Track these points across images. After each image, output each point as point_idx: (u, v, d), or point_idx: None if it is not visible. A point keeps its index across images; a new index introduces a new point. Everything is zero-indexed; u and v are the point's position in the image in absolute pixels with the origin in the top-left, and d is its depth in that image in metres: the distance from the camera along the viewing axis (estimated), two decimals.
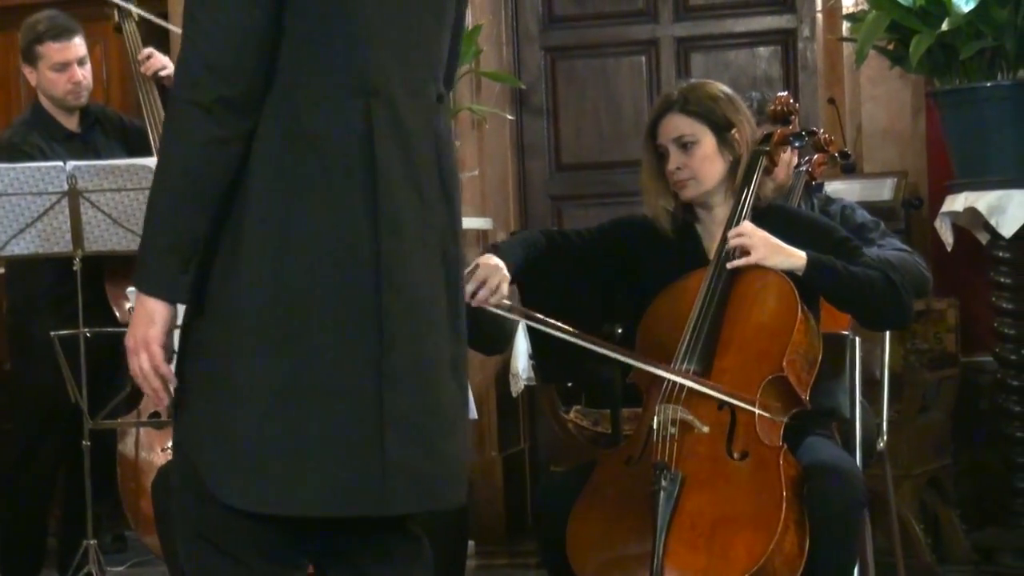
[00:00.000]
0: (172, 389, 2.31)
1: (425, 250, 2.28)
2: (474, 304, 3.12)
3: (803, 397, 3.18)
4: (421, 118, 2.29)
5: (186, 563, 2.36)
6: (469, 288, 3.11)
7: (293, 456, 2.20)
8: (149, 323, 2.27)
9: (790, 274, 3.22)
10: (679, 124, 3.30)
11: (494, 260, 3.21)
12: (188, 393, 2.31)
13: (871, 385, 3.85)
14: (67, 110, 4.80)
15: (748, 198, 3.29)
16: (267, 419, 2.21)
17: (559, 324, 3.18)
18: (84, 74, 4.76)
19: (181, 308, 2.37)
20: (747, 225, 3.26)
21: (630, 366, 3.21)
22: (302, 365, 2.21)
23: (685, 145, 3.30)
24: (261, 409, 2.22)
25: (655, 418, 3.13)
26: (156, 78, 4.72)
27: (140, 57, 4.75)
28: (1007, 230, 4.69)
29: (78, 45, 4.75)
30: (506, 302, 3.17)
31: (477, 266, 3.16)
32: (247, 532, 2.28)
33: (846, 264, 3.24)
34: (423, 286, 2.28)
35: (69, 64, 4.72)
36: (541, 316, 3.18)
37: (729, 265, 3.24)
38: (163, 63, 4.72)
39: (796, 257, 3.23)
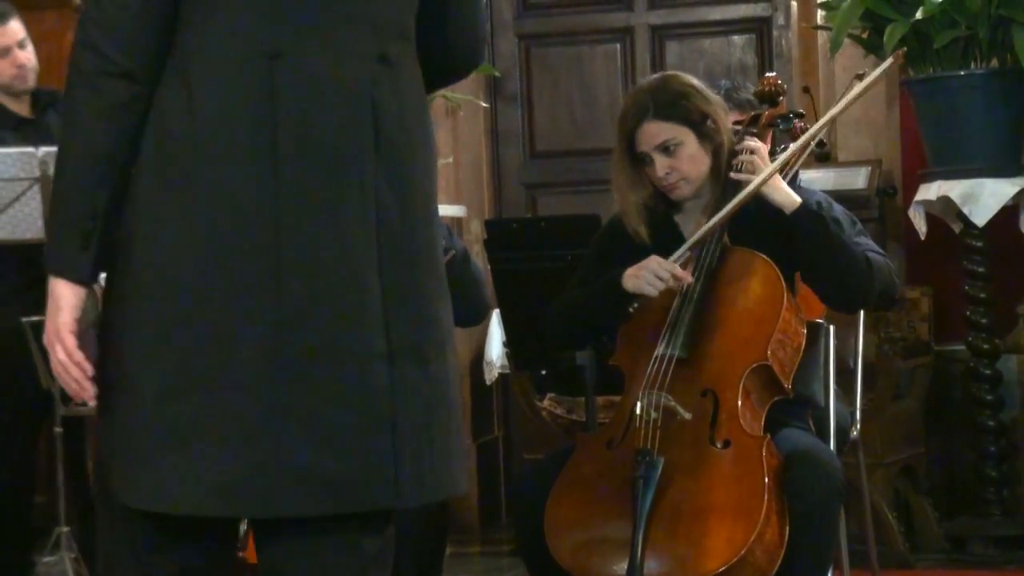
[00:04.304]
0: (92, 379, 2.13)
1: (344, 229, 2.09)
2: None
3: (786, 385, 3.18)
4: (347, 82, 2.11)
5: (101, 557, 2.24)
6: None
7: (181, 453, 2.05)
8: (56, 311, 2.12)
9: (776, 260, 3.21)
10: (658, 131, 3.29)
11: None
12: (98, 383, 2.14)
13: (845, 374, 3.86)
14: (15, 95, 4.70)
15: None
16: (155, 413, 2.07)
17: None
18: (27, 56, 4.65)
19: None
20: (762, 147, 3.27)
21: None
22: (191, 355, 2.06)
23: (668, 149, 3.29)
24: (149, 402, 2.08)
25: (638, 403, 3.13)
26: None
27: None
28: (980, 219, 4.71)
29: (16, 28, 4.65)
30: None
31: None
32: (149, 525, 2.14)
33: (834, 225, 3.25)
34: (337, 266, 2.08)
35: (9, 48, 4.62)
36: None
37: (732, 175, 3.25)
38: None
39: (791, 197, 3.23)
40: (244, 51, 2.08)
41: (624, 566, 2.97)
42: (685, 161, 3.29)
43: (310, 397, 2.06)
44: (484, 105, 5.90)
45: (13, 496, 4.72)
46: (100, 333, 2.18)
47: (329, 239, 2.09)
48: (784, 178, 3.94)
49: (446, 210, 5.62)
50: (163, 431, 2.08)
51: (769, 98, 3.48)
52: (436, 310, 2.19)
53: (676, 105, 3.28)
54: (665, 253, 3.25)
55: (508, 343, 4.43)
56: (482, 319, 3.83)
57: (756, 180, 3.22)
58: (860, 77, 3.48)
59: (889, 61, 3.41)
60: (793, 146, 3.35)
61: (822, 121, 3.39)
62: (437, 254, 2.23)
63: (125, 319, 2.12)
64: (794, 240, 3.23)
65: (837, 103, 3.49)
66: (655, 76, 3.47)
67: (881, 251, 3.91)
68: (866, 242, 3.90)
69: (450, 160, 5.78)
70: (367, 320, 2.10)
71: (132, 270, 2.12)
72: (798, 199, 3.24)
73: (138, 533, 2.16)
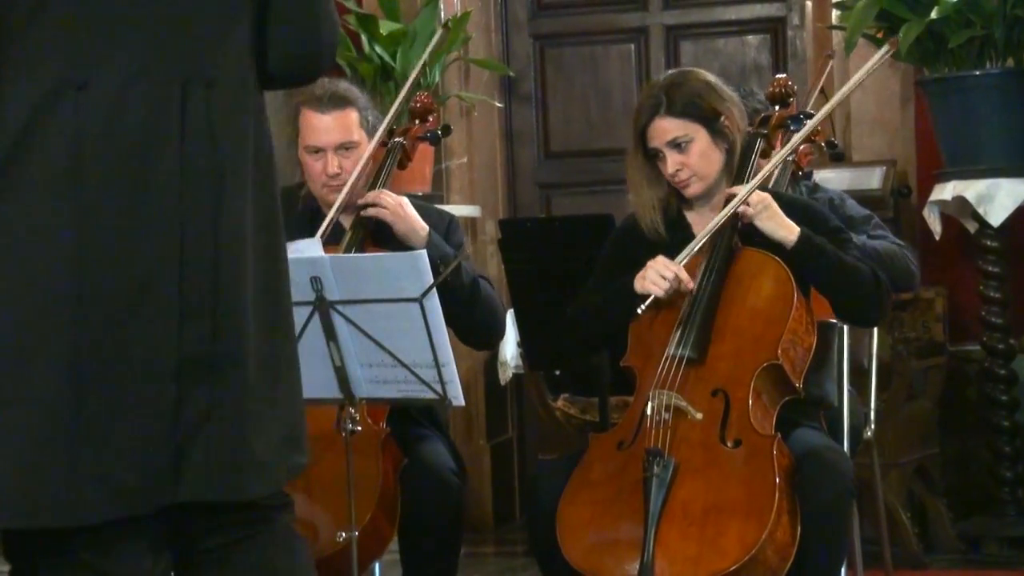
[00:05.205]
0: None
1: (146, 253, 2.11)
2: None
3: (797, 385, 3.18)
4: (151, 102, 2.11)
5: None
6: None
7: None
8: None
9: (784, 258, 3.22)
10: (669, 127, 3.29)
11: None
12: None
13: (859, 374, 3.86)
14: None
15: (747, 181, 3.29)
16: None
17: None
18: None
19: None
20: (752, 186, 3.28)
21: None
22: None
23: (679, 145, 3.29)
24: None
25: (649, 403, 3.14)
26: None
27: None
28: (995, 219, 4.70)
29: None
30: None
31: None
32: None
33: (836, 250, 3.24)
34: (136, 289, 2.11)
35: None
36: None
37: (729, 215, 3.24)
38: None
39: (788, 229, 3.23)
40: (52, 82, 2.09)
41: (636, 566, 2.97)
42: (696, 158, 3.29)
43: (102, 415, 2.11)
44: (498, 105, 5.90)
45: None
46: None
47: (130, 263, 2.11)
48: (791, 177, 3.95)
49: (461, 210, 5.63)
50: None
51: (779, 99, 3.48)
52: (243, 323, 2.20)
53: (688, 102, 3.28)
54: (678, 250, 3.26)
55: (522, 343, 4.44)
56: (494, 343, 3.86)
57: (744, 190, 3.22)
58: (830, 57, 3.48)
59: (885, 49, 3.41)
60: (776, 157, 3.36)
61: (806, 129, 3.39)
62: (263, 273, 2.22)
63: None
64: (799, 270, 3.23)
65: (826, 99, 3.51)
66: (672, 72, 3.47)
67: (899, 242, 3.92)
68: (883, 233, 3.91)
69: (464, 160, 5.78)
70: (160, 340, 2.13)
71: None
72: (797, 230, 3.23)
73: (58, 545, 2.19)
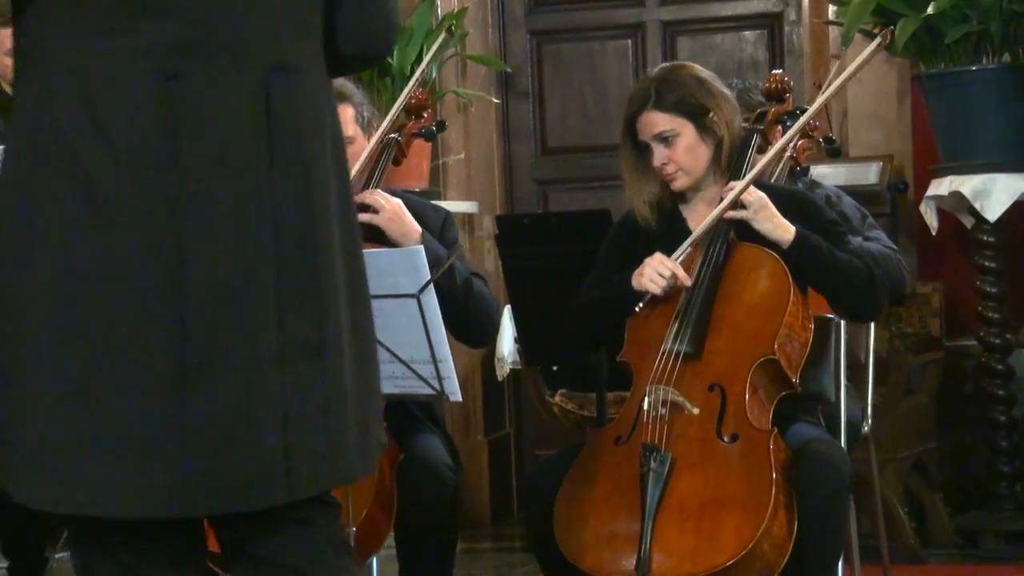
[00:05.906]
0: None
1: (245, 238, 2.13)
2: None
3: (793, 380, 3.19)
4: (241, 91, 2.13)
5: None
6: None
7: (80, 456, 2.09)
8: None
9: (780, 254, 3.22)
10: (656, 121, 3.29)
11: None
12: None
13: (856, 369, 3.86)
14: None
15: (743, 177, 3.30)
16: (56, 417, 2.10)
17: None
18: None
19: None
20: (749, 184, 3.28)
21: None
22: (95, 360, 2.09)
23: (666, 139, 3.30)
24: (50, 408, 2.10)
25: (645, 398, 3.14)
26: None
27: None
28: (992, 214, 4.71)
29: None
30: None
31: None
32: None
33: (832, 248, 3.24)
34: (236, 275, 2.13)
35: None
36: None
37: (725, 215, 3.24)
38: None
39: (784, 229, 3.23)
40: (145, 72, 2.11)
41: (633, 561, 2.98)
42: (682, 153, 3.29)
43: (208, 403, 2.11)
44: (496, 101, 5.91)
45: None
46: None
47: (228, 251, 2.12)
48: (788, 173, 3.95)
49: (458, 206, 5.64)
50: (63, 435, 2.10)
51: (776, 95, 3.49)
52: (336, 308, 2.22)
53: (676, 97, 3.28)
54: (672, 243, 3.26)
55: (519, 339, 4.44)
56: (487, 342, 3.88)
57: (739, 186, 3.22)
58: (837, 57, 3.48)
59: (877, 41, 3.40)
60: (772, 150, 3.37)
61: (801, 120, 3.40)
62: (345, 256, 2.25)
63: (19, 321, 2.13)
64: (796, 269, 3.23)
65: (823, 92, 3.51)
66: (665, 65, 3.48)
67: (892, 246, 3.92)
68: (877, 235, 3.91)
69: (462, 156, 5.79)
70: (261, 327, 2.14)
71: (32, 272, 2.12)
72: (792, 230, 3.23)
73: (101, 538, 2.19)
